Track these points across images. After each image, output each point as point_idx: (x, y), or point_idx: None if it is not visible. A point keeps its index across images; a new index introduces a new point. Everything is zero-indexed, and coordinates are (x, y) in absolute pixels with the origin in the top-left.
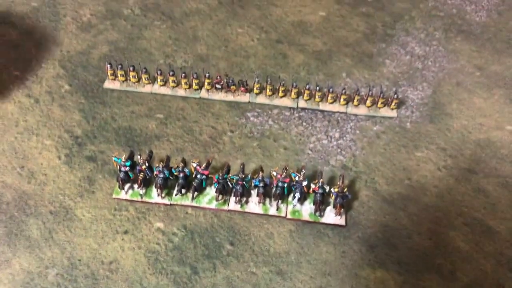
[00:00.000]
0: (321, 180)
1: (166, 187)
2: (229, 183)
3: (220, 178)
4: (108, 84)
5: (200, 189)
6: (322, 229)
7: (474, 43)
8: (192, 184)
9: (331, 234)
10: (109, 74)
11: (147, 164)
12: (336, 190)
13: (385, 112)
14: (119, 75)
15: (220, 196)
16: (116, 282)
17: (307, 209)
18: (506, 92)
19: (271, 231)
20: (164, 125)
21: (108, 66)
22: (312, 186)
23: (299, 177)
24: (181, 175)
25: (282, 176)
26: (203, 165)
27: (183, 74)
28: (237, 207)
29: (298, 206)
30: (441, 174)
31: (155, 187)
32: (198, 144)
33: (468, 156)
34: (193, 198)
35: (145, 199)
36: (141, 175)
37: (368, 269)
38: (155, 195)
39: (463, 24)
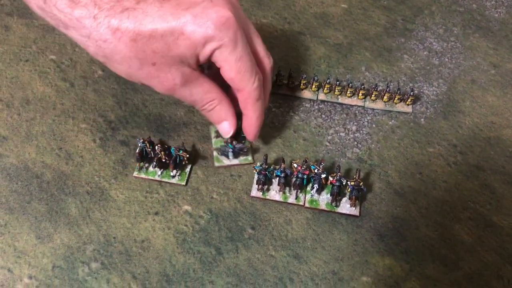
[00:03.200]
0: (339, 173)
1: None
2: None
3: None
4: None
5: None
6: (337, 218)
7: (491, 40)
8: None
9: (344, 223)
10: None
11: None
12: (352, 183)
13: (401, 107)
14: None
15: None
16: (148, 259)
17: (324, 199)
18: None
19: (289, 218)
20: (191, 113)
21: None
22: (330, 178)
23: (318, 169)
24: None
25: (302, 168)
26: None
27: None
28: (259, 194)
29: (316, 196)
30: (451, 169)
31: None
32: None
33: (477, 153)
34: None
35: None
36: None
37: (377, 256)
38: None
39: (481, 20)
